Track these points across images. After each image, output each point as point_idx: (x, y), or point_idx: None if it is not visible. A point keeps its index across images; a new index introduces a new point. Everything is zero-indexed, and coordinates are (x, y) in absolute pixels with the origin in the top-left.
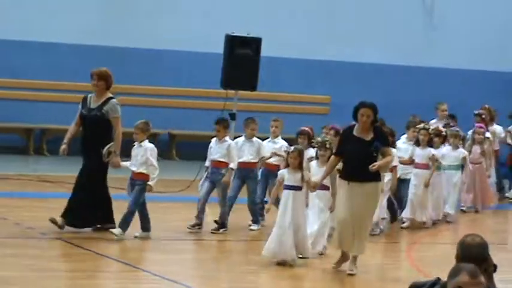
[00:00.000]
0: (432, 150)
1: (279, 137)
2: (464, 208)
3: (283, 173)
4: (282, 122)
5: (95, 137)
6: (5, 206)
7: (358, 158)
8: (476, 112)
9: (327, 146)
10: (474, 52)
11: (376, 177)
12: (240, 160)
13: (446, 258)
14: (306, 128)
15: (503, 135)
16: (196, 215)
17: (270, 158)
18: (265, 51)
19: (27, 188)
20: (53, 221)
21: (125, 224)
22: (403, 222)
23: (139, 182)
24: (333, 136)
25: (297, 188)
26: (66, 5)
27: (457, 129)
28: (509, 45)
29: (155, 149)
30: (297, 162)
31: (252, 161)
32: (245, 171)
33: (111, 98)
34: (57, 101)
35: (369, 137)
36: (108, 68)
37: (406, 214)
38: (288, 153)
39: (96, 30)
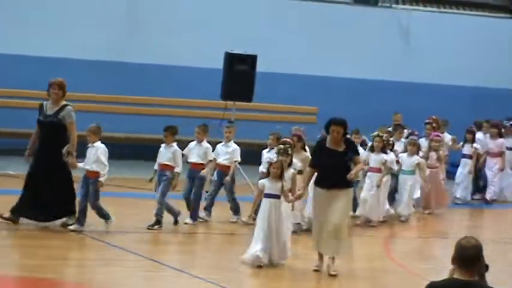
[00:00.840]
0: (385, 156)
1: (232, 141)
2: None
3: (263, 182)
4: (234, 128)
5: (52, 141)
6: None
7: (335, 168)
8: (426, 121)
9: (289, 152)
10: (445, 68)
11: (350, 184)
12: (189, 161)
13: (420, 250)
14: (288, 139)
15: (450, 143)
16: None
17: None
18: (260, 67)
19: None
20: (5, 218)
21: (104, 217)
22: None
23: (92, 180)
24: (296, 142)
25: (277, 197)
26: (87, 27)
27: (415, 138)
28: (477, 61)
29: (106, 149)
30: (278, 172)
31: (199, 162)
32: (192, 171)
33: (66, 105)
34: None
35: (342, 148)
36: (124, 81)
37: (360, 212)
38: (271, 164)
39: (113, 48)
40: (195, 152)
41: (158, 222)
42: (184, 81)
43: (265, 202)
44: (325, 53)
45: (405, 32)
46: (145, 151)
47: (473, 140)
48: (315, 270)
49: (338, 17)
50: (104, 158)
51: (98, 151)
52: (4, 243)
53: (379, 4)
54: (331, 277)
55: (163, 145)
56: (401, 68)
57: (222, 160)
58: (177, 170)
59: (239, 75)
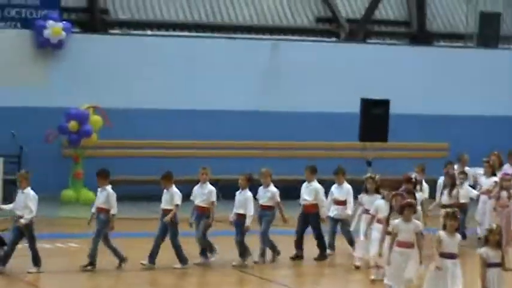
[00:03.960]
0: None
1: (207, 183)
2: None
3: (486, 251)
4: (209, 169)
5: None
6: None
7: None
8: (485, 159)
9: (457, 216)
10: None
11: None
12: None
13: None
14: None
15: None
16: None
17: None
18: (392, 109)
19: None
20: None
21: (36, 261)
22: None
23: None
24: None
25: (499, 265)
26: (229, 81)
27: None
28: None
29: (36, 196)
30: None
31: (166, 207)
32: (163, 215)
33: None
34: (221, 156)
35: None
36: (263, 128)
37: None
38: (491, 230)
39: (258, 99)
40: (164, 199)
41: (91, 263)
42: (324, 126)
43: (490, 272)
44: (451, 92)
45: None
46: (290, 191)
47: None
48: None
49: (461, 58)
50: (33, 205)
51: (27, 197)
52: (169, 282)
53: (499, 46)
54: None
55: (99, 189)
56: None
57: (199, 202)
58: (112, 211)
59: (374, 118)
